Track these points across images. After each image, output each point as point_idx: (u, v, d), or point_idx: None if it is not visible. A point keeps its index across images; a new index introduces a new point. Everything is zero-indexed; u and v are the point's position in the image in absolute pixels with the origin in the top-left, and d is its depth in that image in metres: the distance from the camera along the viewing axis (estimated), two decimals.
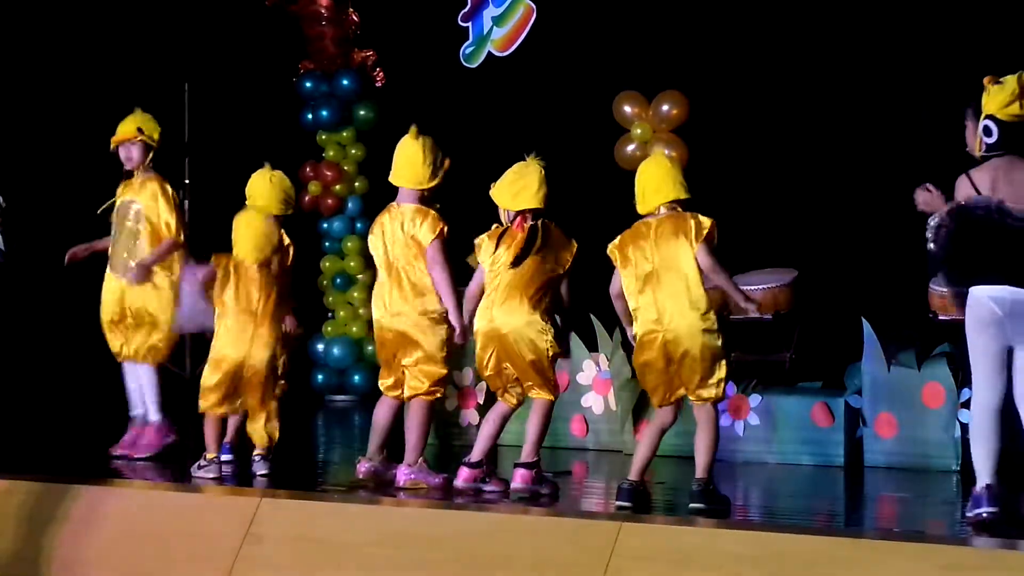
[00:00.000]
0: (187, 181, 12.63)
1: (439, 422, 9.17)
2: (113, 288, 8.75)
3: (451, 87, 12.09)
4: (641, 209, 7.09)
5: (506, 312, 7.24)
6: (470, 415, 9.51)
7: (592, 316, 9.09)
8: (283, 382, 8.23)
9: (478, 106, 12.00)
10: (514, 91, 11.88)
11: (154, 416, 8.74)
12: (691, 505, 6.88)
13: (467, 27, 12.12)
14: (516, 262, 7.21)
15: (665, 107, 11.10)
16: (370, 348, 11.82)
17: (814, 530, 6.53)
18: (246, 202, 8.52)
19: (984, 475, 6.35)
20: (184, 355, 11.27)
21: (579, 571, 6.19)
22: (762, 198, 10.82)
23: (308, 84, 12.83)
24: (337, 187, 12.79)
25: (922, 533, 6.51)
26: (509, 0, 11.93)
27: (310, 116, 12.84)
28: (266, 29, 12.76)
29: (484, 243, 7.43)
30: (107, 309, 8.76)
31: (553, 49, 11.74)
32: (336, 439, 11.18)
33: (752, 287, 9.44)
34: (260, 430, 7.97)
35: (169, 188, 8.80)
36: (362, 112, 12.78)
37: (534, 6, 11.85)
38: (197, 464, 7.98)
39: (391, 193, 7.72)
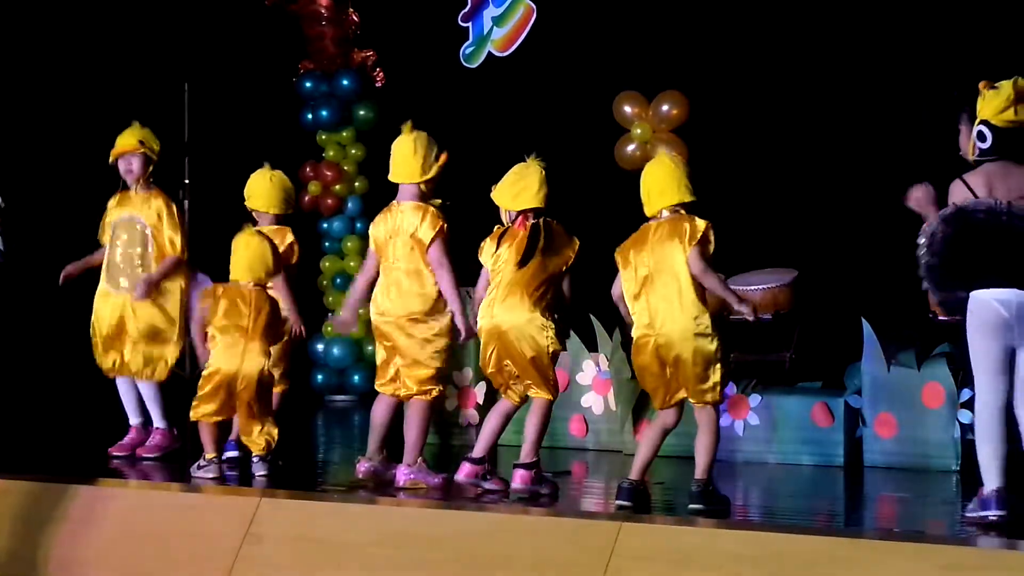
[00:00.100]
0: (187, 181, 12.63)
1: (439, 422, 9.17)
2: (111, 303, 8.71)
3: (451, 87, 12.09)
4: (647, 212, 7.08)
5: (507, 309, 7.25)
6: (470, 415, 9.51)
7: (592, 316, 9.09)
8: (284, 383, 8.26)
9: (478, 106, 12.00)
10: (514, 91, 11.88)
11: (159, 423, 8.75)
12: (690, 506, 6.88)
13: (467, 27, 12.13)
14: (523, 262, 7.22)
15: (665, 107, 11.10)
16: (370, 348, 11.82)
17: (814, 530, 6.53)
18: (245, 203, 8.54)
19: (993, 478, 6.35)
20: (184, 356, 11.26)
21: (579, 571, 6.19)
22: (762, 198, 10.82)
23: (308, 84, 12.83)
24: (337, 187, 12.80)
25: (922, 533, 6.51)
26: (509, 0, 11.94)
27: (310, 116, 12.84)
28: (266, 29, 12.76)
29: (486, 244, 7.44)
30: (103, 324, 8.71)
31: (553, 49, 11.74)
32: (336, 439, 11.18)
33: (752, 287, 9.45)
34: (256, 439, 7.97)
35: (174, 205, 8.80)
36: (362, 112, 12.78)
37: (534, 6, 11.85)
38: (196, 464, 7.98)
39: (391, 193, 7.73)
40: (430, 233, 7.45)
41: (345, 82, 12.74)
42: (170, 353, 8.72)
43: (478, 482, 7.39)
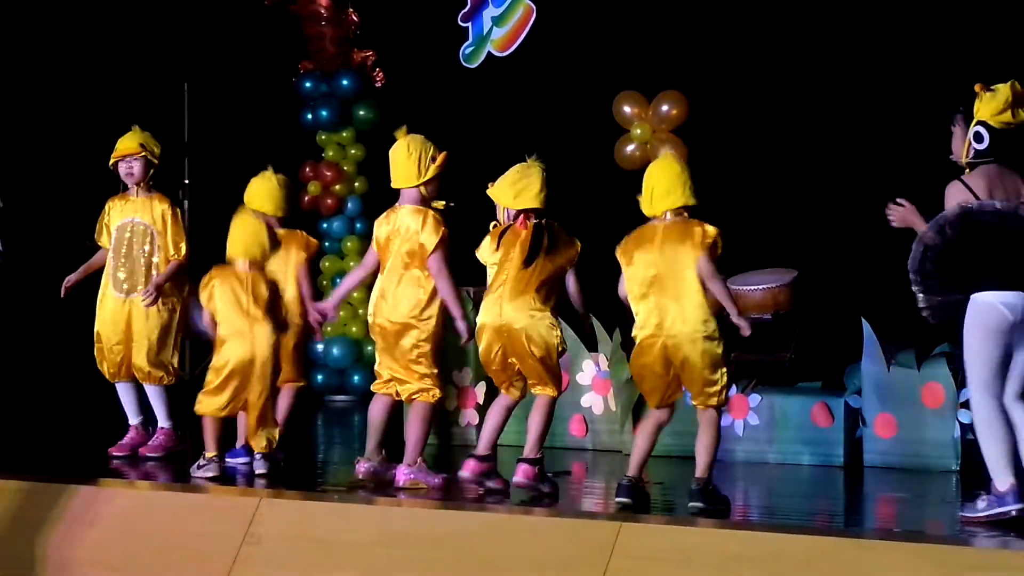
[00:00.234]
0: (186, 181, 12.63)
1: (439, 422, 9.16)
2: (116, 307, 8.72)
3: (451, 87, 12.09)
4: (648, 212, 7.08)
5: (516, 308, 7.26)
6: (470, 415, 9.51)
7: (592, 316, 9.07)
8: (300, 379, 8.29)
9: (478, 106, 12.00)
10: (514, 91, 11.88)
11: (164, 423, 8.76)
12: (691, 504, 6.88)
13: (467, 27, 12.12)
14: (528, 261, 7.23)
15: (665, 107, 11.10)
16: (369, 348, 11.82)
17: (814, 530, 6.54)
18: (248, 206, 8.53)
19: (1005, 474, 6.35)
20: (184, 357, 11.26)
21: (579, 571, 6.19)
22: (762, 198, 10.82)
23: (308, 84, 12.83)
24: (337, 187, 12.79)
25: (921, 533, 6.51)
26: (509, 0, 11.94)
27: (310, 116, 12.83)
28: (266, 29, 12.75)
29: (485, 242, 7.45)
30: (107, 328, 8.72)
31: (553, 49, 11.74)
32: (336, 439, 11.18)
33: (752, 287, 9.45)
34: (258, 437, 7.96)
35: (177, 210, 8.82)
36: (362, 112, 12.78)
37: (534, 6, 11.85)
38: (196, 464, 7.98)
39: (391, 193, 7.73)
40: (432, 239, 7.44)
41: (345, 82, 12.74)
42: (175, 356, 8.75)
43: (482, 480, 7.39)
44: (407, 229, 7.51)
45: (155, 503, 7.62)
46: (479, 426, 9.39)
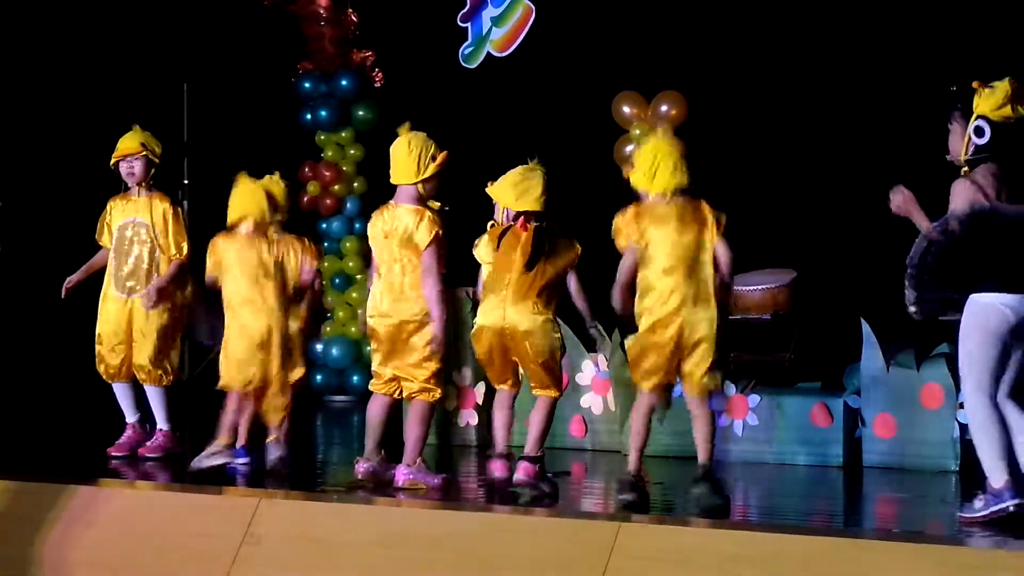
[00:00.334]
0: (186, 181, 12.63)
1: (438, 422, 9.17)
2: (117, 307, 8.73)
3: (450, 87, 12.09)
4: (652, 188, 7.04)
5: (520, 312, 7.27)
6: (469, 415, 9.51)
7: (596, 324, 9.08)
8: (301, 370, 8.18)
9: (477, 106, 12.00)
10: (513, 91, 11.88)
11: (163, 424, 8.77)
12: (693, 491, 6.91)
13: (466, 27, 12.13)
14: (530, 265, 7.24)
15: (664, 107, 11.11)
16: (368, 349, 11.81)
17: (813, 530, 6.53)
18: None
19: (1000, 471, 6.35)
20: (184, 358, 11.27)
21: (578, 571, 6.19)
22: (761, 198, 10.81)
23: (307, 84, 12.83)
24: (336, 187, 12.80)
25: (921, 533, 6.51)
26: (508, 0, 11.94)
27: (309, 116, 12.84)
28: (265, 29, 12.76)
29: (483, 241, 7.45)
30: (109, 328, 8.73)
31: (552, 49, 11.74)
32: (335, 439, 11.18)
33: (751, 287, 9.46)
34: (275, 404, 7.98)
35: (178, 209, 8.82)
36: (361, 112, 12.78)
37: (533, 6, 11.85)
38: (208, 452, 7.93)
39: (390, 193, 7.73)
40: (426, 238, 7.44)
41: (344, 82, 12.75)
42: (176, 357, 8.75)
43: (536, 483, 7.36)
44: (405, 228, 7.50)
45: (154, 503, 7.62)
46: (479, 426, 9.42)
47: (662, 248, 7.00)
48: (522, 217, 7.33)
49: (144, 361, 8.67)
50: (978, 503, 6.44)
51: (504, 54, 11.99)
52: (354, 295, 12.64)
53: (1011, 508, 6.34)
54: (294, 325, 8.04)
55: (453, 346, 8.52)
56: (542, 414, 7.40)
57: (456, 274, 7.60)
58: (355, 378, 12.52)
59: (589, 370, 9.21)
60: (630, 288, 7.11)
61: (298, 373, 8.05)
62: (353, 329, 12.59)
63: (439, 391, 7.60)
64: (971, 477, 7.19)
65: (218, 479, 7.95)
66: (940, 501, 7.45)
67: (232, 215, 8.07)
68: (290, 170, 9.86)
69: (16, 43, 12.12)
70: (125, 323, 8.70)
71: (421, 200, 7.55)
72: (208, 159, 12.62)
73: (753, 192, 10.83)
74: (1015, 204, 6.41)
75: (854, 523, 7.31)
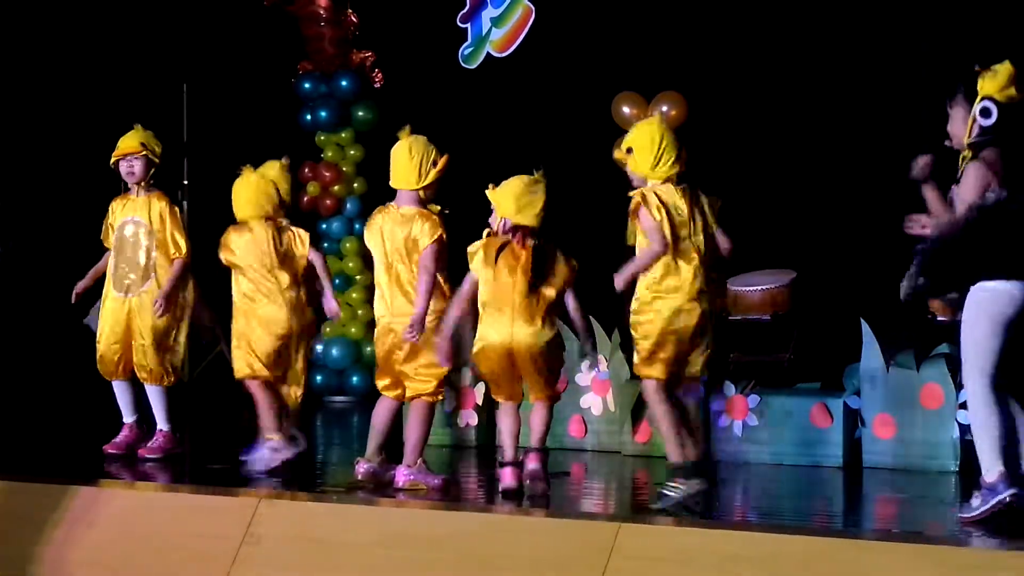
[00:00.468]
0: (185, 182, 12.64)
1: (438, 423, 9.16)
2: (117, 307, 8.73)
3: (450, 88, 12.10)
4: (655, 174, 6.99)
5: (528, 331, 7.22)
6: (469, 415, 9.51)
7: (591, 318, 9.07)
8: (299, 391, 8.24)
9: (477, 107, 12.00)
10: (513, 92, 11.88)
11: (163, 425, 8.77)
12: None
13: (466, 28, 12.13)
14: (534, 287, 7.21)
15: (664, 108, 11.10)
16: (369, 349, 11.83)
17: (813, 531, 6.53)
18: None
19: (992, 463, 6.34)
20: (184, 357, 11.27)
21: (578, 571, 6.19)
22: (761, 199, 10.82)
23: (307, 85, 12.83)
24: (335, 188, 12.80)
25: (920, 534, 6.51)
26: (508, 1, 11.94)
27: (309, 117, 12.84)
28: (265, 30, 12.76)
29: (480, 253, 7.37)
30: (107, 327, 8.73)
31: (552, 50, 11.74)
32: (335, 440, 11.18)
33: (751, 288, 9.47)
34: (292, 388, 8.10)
35: (176, 208, 8.83)
36: (361, 113, 12.78)
37: (533, 7, 11.85)
38: (269, 449, 7.96)
39: (390, 194, 7.73)
40: (426, 240, 7.43)
41: (344, 83, 12.75)
42: (177, 357, 8.76)
43: (546, 473, 7.39)
44: (407, 230, 7.49)
45: (154, 504, 7.62)
46: (478, 427, 9.42)
47: (681, 231, 6.95)
48: (520, 233, 7.29)
49: (142, 360, 8.67)
50: (975, 501, 6.43)
51: (504, 55, 11.99)
52: (354, 295, 12.64)
53: (1008, 499, 6.30)
54: (307, 315, 8.10)
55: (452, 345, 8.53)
56: (545, 414, 7.40)
57: (456, 275, 7.57)
58: (355, 379, 12.52)
59: (589, 371, 9.20)
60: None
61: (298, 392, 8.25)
62: (353, 330, 12.60)
63: (440, 393, 7.60)
64: (971, 477, 7.19)
65: (218, 479, 7.96)
66: (940, 502, 7.45)
67: (241, 212, 8.07)
68: (290, 170, 9.83)
69: (17, 43, 12.12)
70: (123, 322, 8.70)
71: (421, 203, 7.55)
72: (208, 159, 12.63)
73: (753, 192, 10.83)
74: (1010, 187, 6.37)
75: (854, 523, 7.31)
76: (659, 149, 6.99)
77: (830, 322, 9.53)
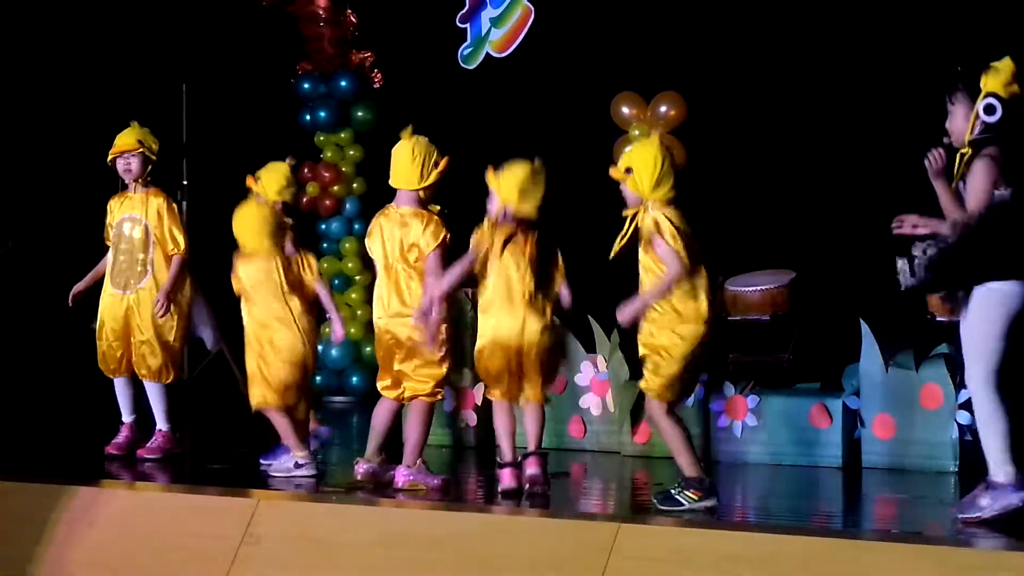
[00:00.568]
0: (185, 182, 12.63)
1: (438, 423, 9.16)
2: (117, 305, 8.73)
3: (449, 88, 12.09)
4: (654, 195, 6.94)
5: (538, 324, 7.27)
6: (469, 416, 9.51)
7: (590, 318, 9.09)
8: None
9: (476, 107, 12.00)
10: (512, 92, 11.88)
11: (163, 425, 8.77)
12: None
13: (465, 28, 12.13)
14: (543, 279, 7.23)
15: (663, 108, 11.11)
16: (368, 349, 11.82)
17: (812, 531, 6.53)
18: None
19: (1004, 464, 6.32)
20: (184, 357, 11.26)
21: (577, 572, 6.20)
22: (760, 199, 10.82)
23: (306, 85, 12.83)
24: (335, 188, 12.79)
25: (920, 534, 6.51)
26: (507, 1, 11.94)
27: (308, 117, 12.83)
28: (264, 30, 12.76)
29: (484, 233, 7.36)
30: (108, 325, 8.74)
31: (551, 50, 11.74)
32: (334, 440, 11.15)
33: (750, 288, 9.46)
34: (300, 405, 8.13)
35: (174, 204, 8.83)
36: (360, 113, 12.78)
37: (532, 7, 11.85)
38: (294, 463, 7.96)
39: (389, 194, 7.73)
40: (432, 243, 7.43)
41: (343, 83, 12.75)
42: (176, 354, 8.76)
43: (547, 476, 7.41)
44: (409, 232, 7.49)
45: (154, 504, 7.62)
46: (477, 427, 9.42)
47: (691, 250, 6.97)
48: (520, 226, 7.29)
49: (144, 357, 8.67)
50: (983, 501, 6.40)
51: (503, 55, 11.98)
52: (353, 295, 12.63)
53: (1018, 503, 6.30)
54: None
55: (453, 347, 8.53)
56: (539, 415, 7.40)
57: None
58: (354, 379, 12.51)
59: (588, 371, 9.21)
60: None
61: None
62: (352, 330, 12.59)
63: (441, 392, 7.60)
64: (971, 478, 7.19)
65: (218, 479, 7.96)
66: (939, 502, 7.45)
67: (246, 244, 8.01)
68: (294, 171, 9.85)
69: (16, 44, 12.12)
70: (122, 320, 8.71)
71: (422, 204, 7.55)
72: (207, 160, 12.62)
73: (752, 192, 10.84)
74: (1014, 185, 6.36)
75: (853, 524, 7.32)
76: (660, 171, 6.94)
77: (829, 322, 9.53)
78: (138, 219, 8.73)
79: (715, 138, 10.97)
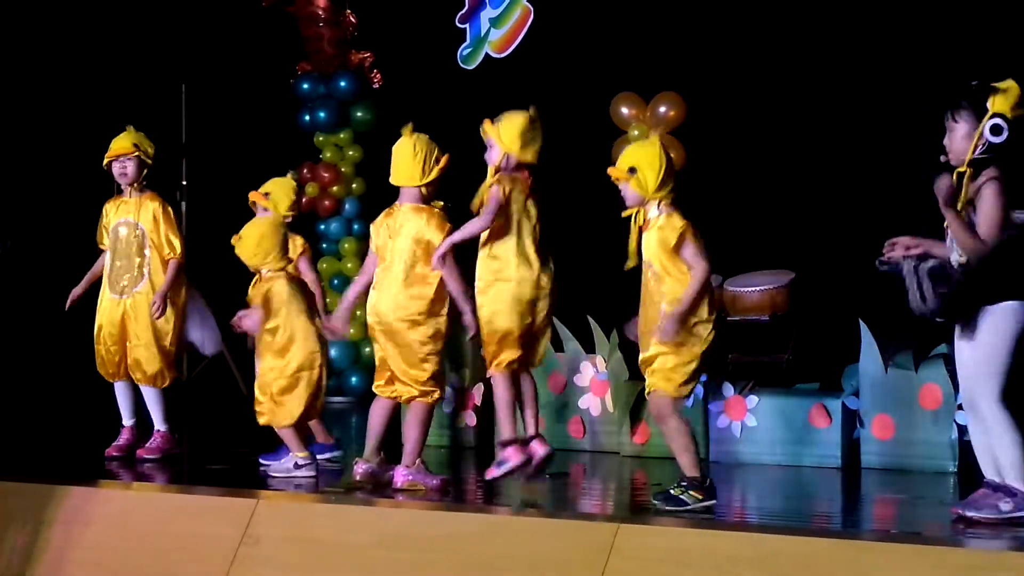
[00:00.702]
0: (184, 183, 12.64)
1: (437, 423, 9.16)
2: (113, 308, 8.74)
3: (448, 88, 12.09)
4: (657, 195, 6.91)
5: (548, 275, 7.34)
6: (468, 416, 9.51)
7: (589, 318, 9.09)
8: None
9: (475, 107, 11.93)
10: (511, 92, 11.83)
11: (161, 425, 8.77)
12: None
13: (464, 28, 12.13)
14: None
15: (662, 108, 11.11)
16: (367, 349, 11.82)
17: (811, 531, 6.53)
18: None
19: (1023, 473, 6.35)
20: (182, 359, 11.27)
21: (577, 572, 6.19)
22: (759, 200, 10.83)
23: (305, 85, 12.83)
24: (334, 188, 12.80)
25: (919, 534, 6.51)
26: (506, 1, 11.95)
27: (307, 117, 12.84)
28: (263, 30, 12.77)
29: (504, 186, 7.28)
30: (106, 329, 8.74)
31: (550, 50, 11.74)
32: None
33: (749, 288, 9.47)
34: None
35: (169, 208, 8.82)
36: (359, 113, 12.78)
37: (531, 7, 11.86)
38: (294, 463, 7.94)
39: (388, 194, 7.73)
40: (439, 236, 7.42)
41: (342, 83, 12.75)
42: (172, 358, 8.76)
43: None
44: (411, 227, 7.50)
45: (153, 504, 7.62)
46: (476, 427, 9.42)
47: None
48: (525, 171, 7.27)
49: (140, 362, 8.68)
50: (1004, 505, 6.38)
51: (502, 55, 11.99)
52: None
53: None
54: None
55: (453, 347, 8.53)
56: (535, 387, 7.48)
57: (461, 270, 7.56)
58: (354, 379, 12.52)
59: (587, 371, 9.20)
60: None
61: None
62: (352, 330, 12.59)
63: (439, 392, 7.59)
64: (970, 478, 7.19)
65: (217, 480, 7.95)
66: (938, 502, 7.45)
67: (262, 261, 7.98)
68: (297, 181, 9.86)
69: (15, 44, 12.12)
70: (119, 324, 8.71)
71: (424, 201, 7.55)
72: (206, 160, 12.63)
73: (751, 193, 10.84)
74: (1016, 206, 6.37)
75: (853, 524, 7.31)
76: (663, 170, 6.94)
77: (829, 323, 9.53)
78: (134, 224, 8.74)
79: (714, 139, 10.97)
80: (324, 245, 12.79)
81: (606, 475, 8.63)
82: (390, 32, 12.56)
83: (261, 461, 8.31)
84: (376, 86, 12.80)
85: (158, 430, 8.77)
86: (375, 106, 12.74)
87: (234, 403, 11.59)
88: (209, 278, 9.31)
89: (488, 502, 7.34)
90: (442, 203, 7.59)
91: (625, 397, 8.92)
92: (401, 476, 7.51)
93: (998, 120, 6.34)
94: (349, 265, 12.68)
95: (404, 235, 7.49)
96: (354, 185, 12.81)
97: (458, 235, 7.31)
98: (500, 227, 7.24)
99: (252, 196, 8.58)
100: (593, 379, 9.20)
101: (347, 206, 12.82)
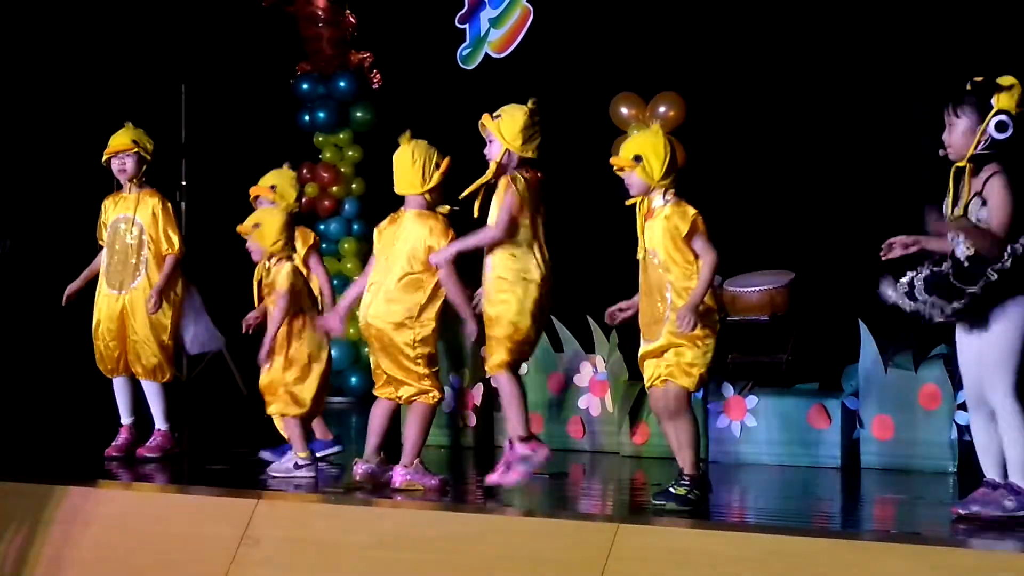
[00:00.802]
0: (184, 183, 12.64)
1: (437, 423, 9.15)
2: (111, 304, 8.74)
3: (448, 89, 12.09)
4: (667, 183, 6.91)
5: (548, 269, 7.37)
6: (468, 417, 9.50)
7: (589, 318, 9.09)
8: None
9: (475, 108, 11.94)
10: (511, 93, 11.81)
11: (161, 424, 8.77)
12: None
13: (464, 29, 12.13)
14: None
15: (662, 108, 11.10)
16: (367, 350, 11.81)
17: (811, 531, 6.53)
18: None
19: None
20: (181, 358, 11.27)
21: (576, 572, 6.19)
22: (759, 200, 10.83)
23: (305, 85, 12.83)
24: (334, 189, 12.79)
25: (918, 535, 6.51)
26: (506, 2, 11.94)
27: (307, 117, 12.84)
28: (263, 30, 12.76)
29: (522, 188, 7.27)
30: (104, 324, 8.74)
31: (550, 51, 11.74)
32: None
33: (749, 289, 9.46)
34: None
35: (168, 204, 8.83)
36: (359, 114, 12.78)
37: (531, 8, 11.85)
38: (294, 463, 7.92)
39: (388, 195, 7.73)
40: (442, 243, 7.41)
41: (342, 83, 12.75)
42: (171, 353, 8.76)
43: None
44: (412, 234, 7.49)
45: (152, 504, 7.62)
46: (476, 428, 9.41)
47: None
48: (527, 167, 7.24)
49: (139, 356, 8.68)
50: (1008, 503, 6.38)
51: (502, 55, 11.98)
52: None
53: None
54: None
55: (453, 348, 8.53)
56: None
57: (463, 272, 7.56)
58: (353, 379, 12.51)
59: (587, 371, 9.20)
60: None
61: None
62: (351, 330, 12.58)
63: (437, 392, 7.58)
64: (970, 478, 7.19)
65: (217, 480, 7.95)
66: (938, 502, 7.45)
67: (273, 249, 8.02)
68: (294, 170, 9.86)
69: (14, 44, 12.12)
70: (117, 320, 8.72)
71: (428, 207, 7.54)
72: (206, 160, 12.63)
73: (751, 193, 10.84)
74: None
75: (852, 524, 7.31)
76: (668, 158, 6.92)
77: (828, 323, 9.53)
78: (132, 219, 8.74)
79: (714, 139, 10.97)
80: (324, 245, 12.74)
81: (605, 475, 8.63)
82: (390, 32, 12.56)
83: (262, 455, 8.31)
84: (376, 86, 12.80)
85: (158, 429, 8.76)
86: (375, 106, 12.73)
87: (234, 403, 11.60)
88: (209, 278, 9.31)
89: (487, 502, 7.34)
90: (448, 208, 7.58)
91: (625, 397, 8.92)
92: (399, 476, 7.51)
93: (1004, 117, 6.35)
94: (349, 265, 12.68)
95: (405, 241, 7.49)
96: (354, 185, 12.81)
97: (469, 243, 7.29)
98: (519, 226, 7.21)
99: (254, 191, 8.58)
100: (592, 379, 9.20)
101: (347, 206, 12.82)
